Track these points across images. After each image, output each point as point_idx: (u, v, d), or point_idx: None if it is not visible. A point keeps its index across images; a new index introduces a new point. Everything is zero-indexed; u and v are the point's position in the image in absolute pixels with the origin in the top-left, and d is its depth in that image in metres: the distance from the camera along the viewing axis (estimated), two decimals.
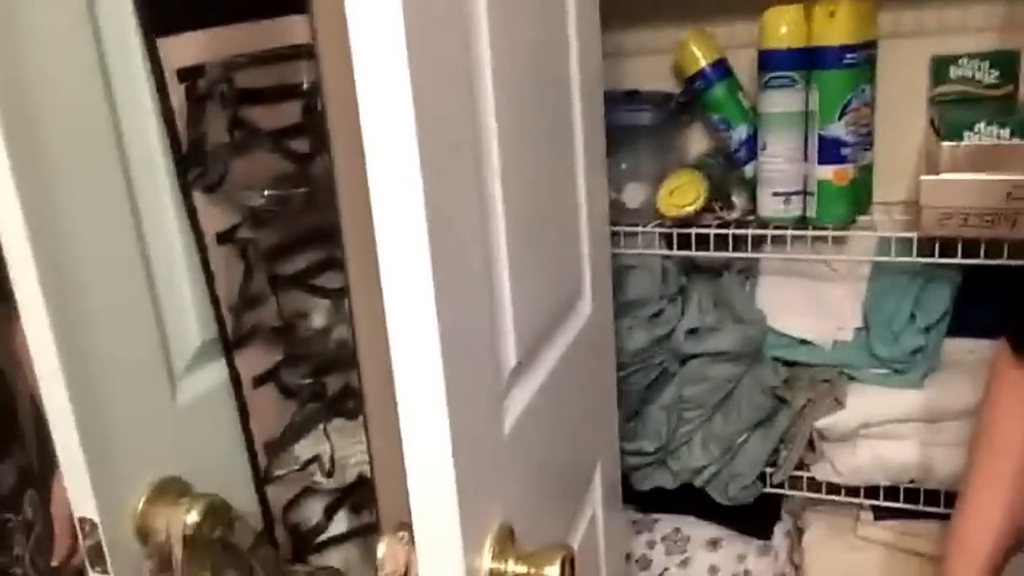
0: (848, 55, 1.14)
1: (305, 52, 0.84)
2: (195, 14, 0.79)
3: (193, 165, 0.80)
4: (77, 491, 0.70)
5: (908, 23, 1.29)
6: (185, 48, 0.78)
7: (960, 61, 1.26)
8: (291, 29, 0.85)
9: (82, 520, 0.71)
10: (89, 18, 0.70)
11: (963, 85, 1.26)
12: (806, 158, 1.21)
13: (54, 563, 0.87)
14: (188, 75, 0.78)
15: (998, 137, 1.08)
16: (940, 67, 1.27)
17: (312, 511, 0.98)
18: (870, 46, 1.23)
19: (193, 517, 0.75)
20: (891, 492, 1.27)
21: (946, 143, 1.10)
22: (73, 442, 0.68)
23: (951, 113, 1.15)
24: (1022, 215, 1.07)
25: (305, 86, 0.87)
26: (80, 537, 0.71)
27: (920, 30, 1.29)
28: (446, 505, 0.58)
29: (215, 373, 0.86)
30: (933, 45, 1.28)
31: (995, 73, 1.24)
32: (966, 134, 1.09)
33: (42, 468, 0.93)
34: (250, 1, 0.84)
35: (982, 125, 1.09)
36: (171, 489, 0.77)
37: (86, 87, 0.70)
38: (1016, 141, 1.08)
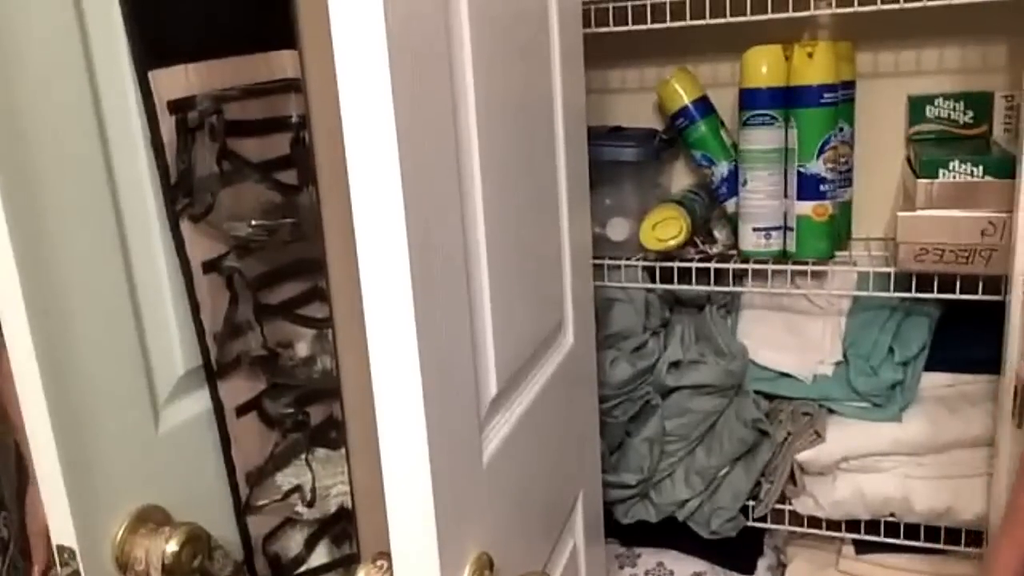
0: (826, 94, 1.17)
1: (294, 86, 0.86)
2: (187, 47, 0.80)
3: (181, 195, 0.81)
4: (56, 518, 0.70)
5: (885, 63, 1.33)
6: (176, 80, 0.79)
7: (936, 101, 1.29)
8: (280, 63, 0.87)
9: (61, 548, 0.70)
10: (82, 49, 0.71)
11: (939, 124, 1.29)
12: (786, 194, 1.23)
13: None
14: (179, 107, 0.79)
15: (972, 175, 1.11)
16: (916, 106, 1.30)
17: (293, 541, 0.98)
18: (848, 86, 1.26)
19: (172, 546, 0.74)
20: (872, 526, 1.27)
21: (922, 180, 1.12)
22: (54, 469, 0.68)
23: (927, 151, 1.18)
24: (996, 251, 1.09)
25: (293, 119, 0.88)
26: (58, 565, 0.71)
27: (897, 71, 1.33)
28: (425, 534, 0.59)
29: (198, 402, 0.86)
30: (910, 85, 1.32)
31: (970, 113, 1.27)
32: (941, 172, 1.12)
33: (19, 488, 0.92)
34: (241, 36, 0.85)
35: (957, 163, 1.11)
36: (151, 518, 0.77)
37: (78, 117, 0.71)
38: (990, 179, 1.10)
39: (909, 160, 1.27)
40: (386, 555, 0.67)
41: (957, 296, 1.15)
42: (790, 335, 1.31)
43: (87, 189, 0.72)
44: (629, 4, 1.24)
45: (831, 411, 1.28)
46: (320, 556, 0.99)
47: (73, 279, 0.70)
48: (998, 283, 1.10)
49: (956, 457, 1.19)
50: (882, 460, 1.23)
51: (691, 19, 1.20)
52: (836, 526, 1.30)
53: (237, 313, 0.88)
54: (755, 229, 1.26)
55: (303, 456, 0.95)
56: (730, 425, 1.29)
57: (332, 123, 0.55)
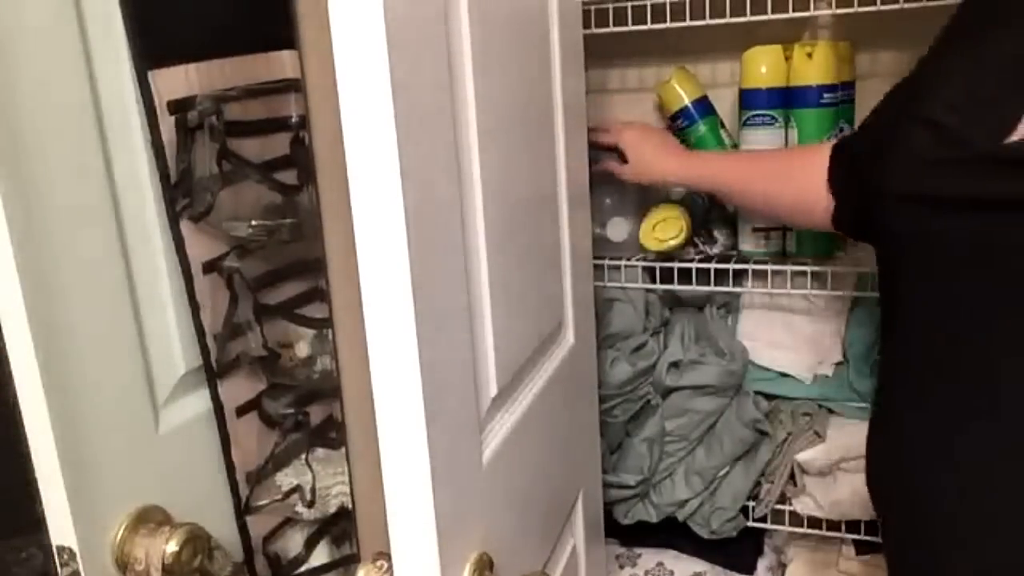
0: (826, 94, 1.17)
1: (293, 86, 0.86)
2: (187, 47, 0.80)
3: (181, 195, 0.81)
4: (56, 518, 0.70)
5: (885, 64, 1.33)
6: (176, 80, 0.79)
7: None
8: (280, 63, 0.87)
9: (60, 548, 0.70)
10: (82, 49, 0.71)
11: None
12: None
13: None
14: (179, 107, 0.79)
15: None
16: None
17: (293, 542, 0.98)
18: (848, 86, 1.26)
19: (172, 547, 0.74)
20: (872, 526, 1.27)
21: None
22: (54, 469, 0.68)
23: None
24: None
25: (293, 119, 0.88)
26: (58, 566, 0.71)
27: (897, 71, 1.32)
28: (425, 534, 0.59)
29: (198, 402, 0.86)
30: None
31: None
32: None
33: None
34: (241, 35, 0.85)
35: None
36: (151, 518, 0.77)
37: (78, 117, 0.71)
38: None
39: None
40: (386, 555, 0.67)
41: None
42: (790, 335, 1.31)
43: (87, 189, 0.72)
44: (629, 4, 1.24)
45: (831, 411, 1.28)
46: (320, 556, 0.99)
47: (73, 279, 0.70)
48: None
49: None
50: None
51: (691, 19, 1.20)
52: (836, 526, 1.30)
53: (237, 313, 0.88)
54: (755, 229, 1.26)
55: (303, 456, 0.95)
56: (730, 425, 1.29)
57: (332, 123, 0.55)
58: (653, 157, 1.14)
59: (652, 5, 1.22)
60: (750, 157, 1.13)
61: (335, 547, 0.99)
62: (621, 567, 1.41)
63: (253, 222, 0.87)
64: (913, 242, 0.77)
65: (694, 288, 1.30)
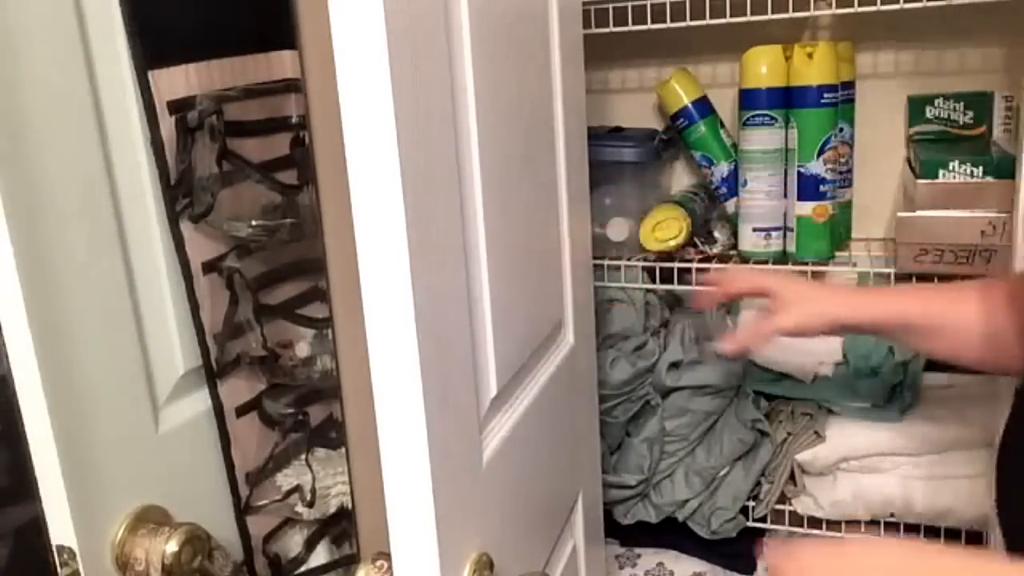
0: (826, 95, 1.17)
1: (293, 86, 0.86)
2: (187, 47, 0.80)
3: (181, 195, 0.81)
4: (56, 518, 0.70)
5: (885, 64, 1.33)
6: (176, 80, 0.79)
7: (936, 101, 1.29)
8: (280, 64, 0.87)
9: (60, 548, 0.70)
10: (82, 49, 0.71)
11: (939, 125, 1.29)
12: (786, 195, 1.23)
13: None
14: (179, 107, 0.79)
15: (972, 175, 1.11)
16: (916, 107, 1.30)
17: (292, 542, 0.98)
18: (848, 86, 1.27)
19: (172, 546, 0.74)
20: (872, 526, 1.27)
21: (922, 181, 1.12)
22: (53, 469, 0.68)
23: (927, 152, 1.18)
24: (995, 252, 1.09)
25: (293, 119, 0.88)
26: (58, 565, 0.71)
27: (897, 71, 1.33)
28: (424, 534, 0.59)
29: (198, 402, 0.86)
30: (909, 85, 1.32)
31: (969, 113, 1.27)
32: (941, 172, 1.12)
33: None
34: (241, 36, 0.85)
35: (956, 164, 1.12)
36: (151, 518, 0.77)
37: (78, 117, 0.71)
38: (989, 179, 1.10)
39: (909, 160, 1.27)
40: (386, 555, 0.67)
41: None
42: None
43: (87, 189, 0.72)
44: (629, 4, 1.24)
45: (831, 411, 1.28)
46: (320, 556, 0.99)
47: (73, 279, 0.70)
48: None
49: (956, 458, 1.19)
50: (882, 460, 1.23)
51: (691, 19, 1.20)
52: (836, 526, 1.30)
53: (237, 313, 0.88)
54: (755, 229, 1.26)
55: (303, 456, 0.95)
56: (730, 425, 1.29)
57: (332, 123, 0.55)
58: (817, 292, 0.94)
59: (652, 5, 1.22)
60: (928, 291, 0.93)
61: (335, 547, 0.99)
62: (621, 567, 1.41)
63: (253, 222, 0.87)
64: None
65: (694, 288, 1.30)
